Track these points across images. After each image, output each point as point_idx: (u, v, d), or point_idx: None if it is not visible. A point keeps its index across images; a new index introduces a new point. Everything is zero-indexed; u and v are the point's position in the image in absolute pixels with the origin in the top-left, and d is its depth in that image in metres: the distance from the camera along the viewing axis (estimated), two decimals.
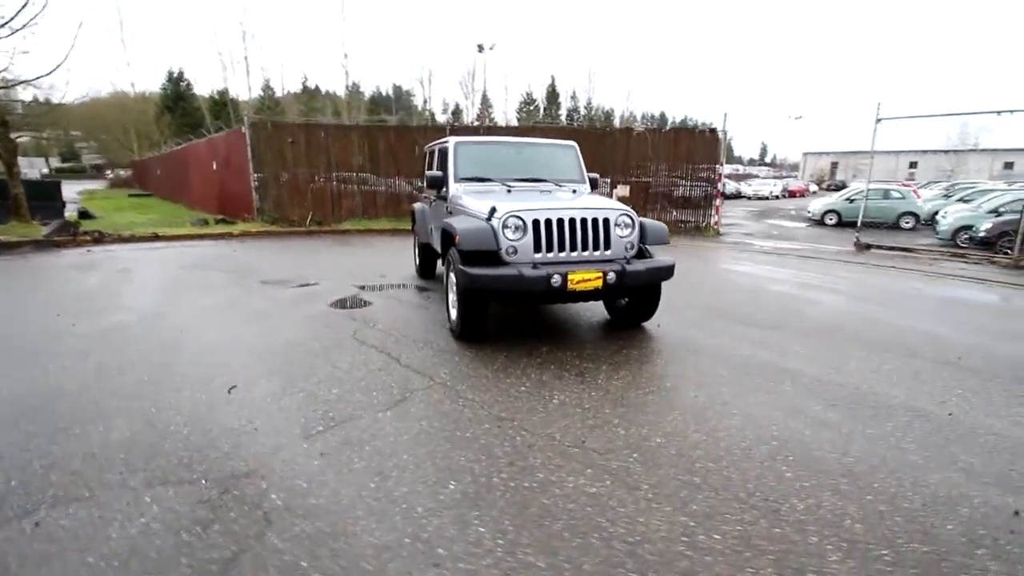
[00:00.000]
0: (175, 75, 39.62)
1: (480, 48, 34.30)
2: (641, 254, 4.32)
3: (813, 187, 41.75)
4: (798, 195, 36.09)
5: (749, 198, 32.88)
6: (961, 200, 16.64)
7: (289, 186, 13.04)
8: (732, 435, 2.75)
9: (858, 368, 3.76)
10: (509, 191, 4.79)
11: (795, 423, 2.90)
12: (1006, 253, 10.06)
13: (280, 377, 3.47)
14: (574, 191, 5.04)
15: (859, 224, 11.81)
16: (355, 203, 13.77)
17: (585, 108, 50.97)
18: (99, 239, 9.94)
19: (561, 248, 4.00)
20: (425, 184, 5.31)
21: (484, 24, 72.98)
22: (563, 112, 51.09)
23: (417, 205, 6.86)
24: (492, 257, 3.92)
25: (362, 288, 6.27)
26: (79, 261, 8.07)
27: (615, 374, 3.59)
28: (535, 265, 3.84)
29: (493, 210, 3.95)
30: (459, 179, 4.99)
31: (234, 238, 11.12)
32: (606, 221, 4.11)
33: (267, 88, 39.11)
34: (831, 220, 17.50)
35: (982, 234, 11.09)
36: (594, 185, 5.40)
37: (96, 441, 2.64)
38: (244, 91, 41.93)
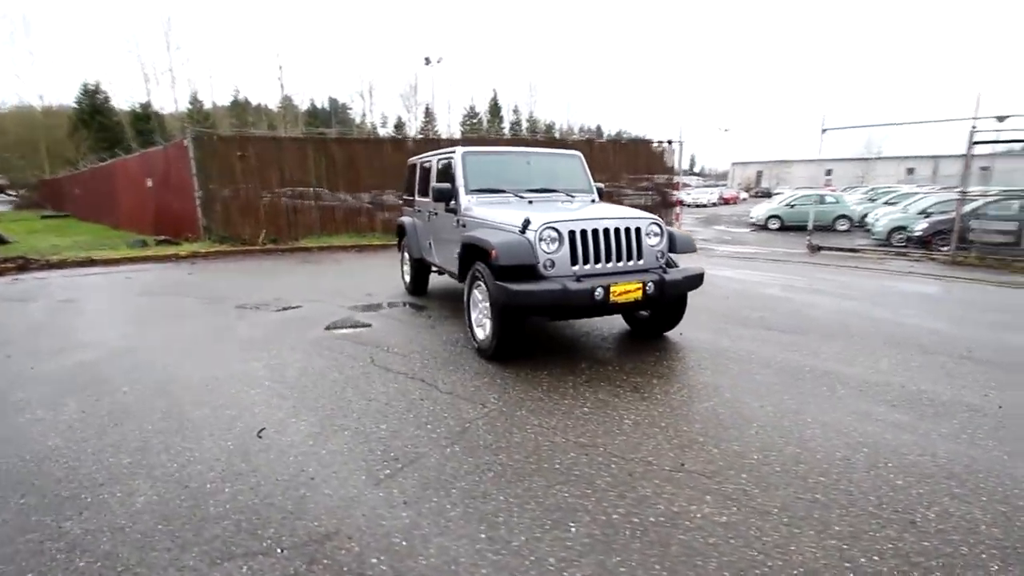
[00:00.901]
0: (91, 88, 36.32)
1: (427, 61, 33.98)
2: (667, 263, 4.26)
3: (743, 194, 44.39)
4: (731, 202, 38.25)
5: (689, 205, 34.41)
6: (887, 203, 18.16)
7: (239, 202, 12.16)
8: (822, 445, 2.68)
9: (891, 367, 3.85)
10: (531, 203, 4.60)
11: (871, 427, 2.88)
12: (942, 250, 10.99)
13: (312, 414, 3.08)
14: (593, 200, 4.93)
15: (810, 228, 12.52)
16: (312, 219, 13.05)
17: (527, 121, 51.74)
18: (24, 266, 8.77)
19: (597, 259, 3.85)
20: (432, 197, 5.00)
21: (425, 38, 72.65)
22: (506, 125, 51.56)
23: (406, 219, 6.51)
24: (528, 271, 3.71)
25: (353, 308, 5.85)
26: (8, 291, 7.04)
27: (669, 387, 3.46)
28: (577, 278, 3.67)
29: (527, 222, 3.74)
30: (470, 191, 4.74)
31: (183, 260, 10.18)
32: (638, 230, 4.01)
33: (195, 101, 36.76)
34: (774, 225, 18.52)
35: (918, 233, 12.06)
36: (600, 195, 5.32)
37: (120, 511, 2.18)
38: (169, 104, 39.22)
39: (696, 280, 4.11)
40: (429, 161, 5.82)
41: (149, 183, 13.50)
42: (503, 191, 4.83)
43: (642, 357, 4.09)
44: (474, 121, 50.87)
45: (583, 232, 3.82)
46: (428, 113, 48.40)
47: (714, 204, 35.47)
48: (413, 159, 6.74)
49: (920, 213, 13.63)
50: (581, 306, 3.63)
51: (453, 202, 4.80)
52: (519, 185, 4.94)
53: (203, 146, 11.69)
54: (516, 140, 18.72)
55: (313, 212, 13.05)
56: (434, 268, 6.17)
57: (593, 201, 4.95)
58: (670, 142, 13.80)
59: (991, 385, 3.48)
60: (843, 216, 17.62)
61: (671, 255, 4.31)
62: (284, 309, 5.85)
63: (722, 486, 2.31)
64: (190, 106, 36.27)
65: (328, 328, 5.02)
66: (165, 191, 12.89)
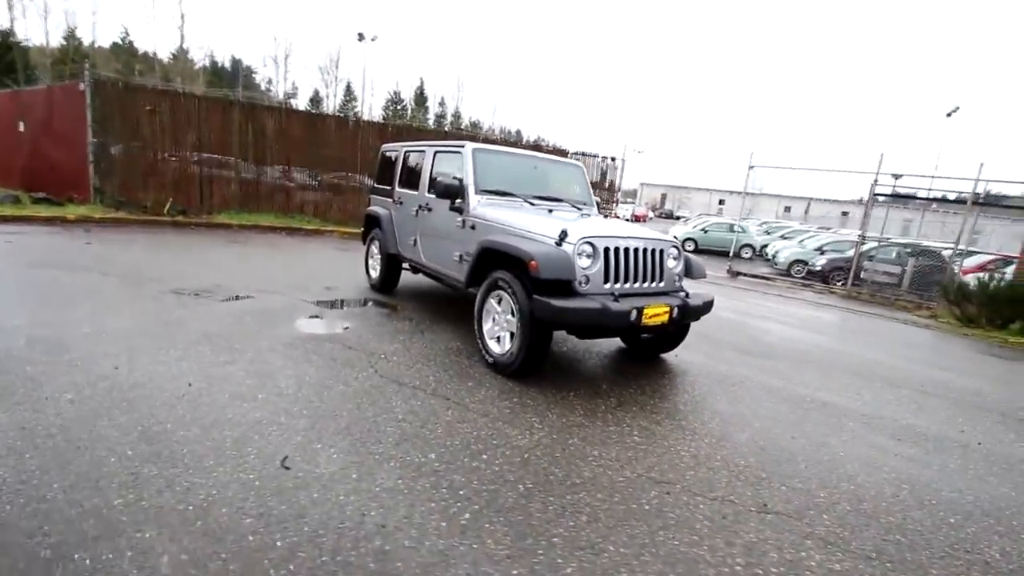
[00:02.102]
0: None
1: (361, 36, 31.76)
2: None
3: (651, 214, 47.47)
4: (641, 220, 40.69)
5: None
6: (782, 237, 20.33)
7: (143, 164, 10.51)
8: (868, 481, 2.79)
9: (873, 399, 4.18)
10: (551, 211, 4.39)
11: (895, 462, 3.06)
12: (838, 285, 12.48)
13: (338, 438, 2.62)
14: (606, 215, 4.83)
15: (732, 255, 13.59)
16: (230, 192, 11.66)
17: (453, 116, 50.97)
18: None
19: (627, 279, 3.76)
20: (435, 192, 4.54)
21: (352, 10, 68.38)
22: (431, 116, 50.40)
23: (380, 210, 5.97)
24: (563, 287, 3.51)
25: (318, 304, 5.22)
26: None
27: (701, 415, 3.45)
28: (616, 297, 3.54)
29: (564, 234, 3.54)
30: (480, 191, 4.42)
31: (71, 225, 8.54)
32: (662, 252, 3.98)
33: (71, 37, 31.33)
34: (689, 247, 19.88)
35: (818, 268, 13.60)
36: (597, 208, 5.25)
37: (135, 572, 1.65)
38: (39, 36, 33.08)
39: (709, 306, 4.17)
40: (420, 151, 5.37)
41: (21, 127, 11.18)
42: (513, 195, 4.57)
43: (655, 380, 4.06)
44: (398, 107, 49.06)
45: (616, 250, 3.70)
46: (349, 91, 45.79)
47: (628, 220, 37.46)
48: (391, 146, 6.22)
49: (816, 250, 15.41)
50: (617, 327, 3.51)
51: (459, 200, 4.44)
52: (527, 190, 4.71)
53: (104, 93, 9.93)
54: (448, 134, 18.20)
55: (232, 185, 11.67)
56: (406, 266, 5.72)
57: (605, 215, 4.86)
58: (613, 159, 14.25)
59: (958, 420, 3.92)
60: (747, 245, 19.40)
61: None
62: (233, 299, 5.06)
63: (814, 529, 2.30)
64: (64, 42, 30.85)
65: (303, 327, 4.41)
66: (45, 140, 10.74)
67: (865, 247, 12.40)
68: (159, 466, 2.23)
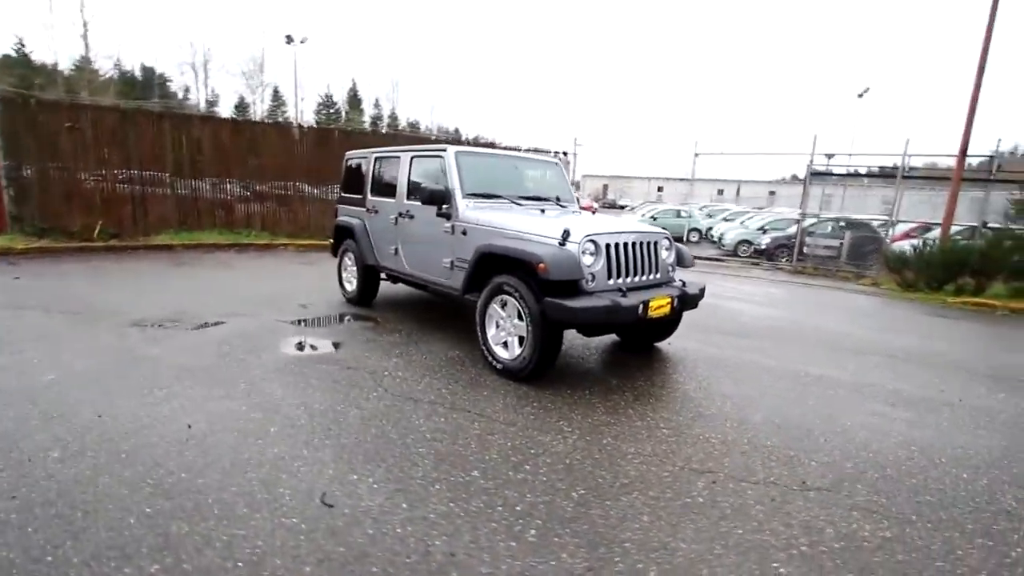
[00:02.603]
0: None
1: (289, 39, 30.27)
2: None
3: (595, 204, 48.53)
4: (588, 211, 41.52)
5: None
6: (724, 219, 21.30)
7: (65, 186, 9.58)
8: (885, 448, 2.94)
9: (856, 368, 4.44)
10: (543, 211, 4.34)
11: (899, 427, 3.26)
12: (783, 262, 13.22)
13: (371, 466, 2.47)
14: (594, 211, 4.85)
15: (684, 239, 14.10)
16: (167, 210, 10.84)
17: (390, 117, 49.92)
18: None
19: (628, 273, 3.79)
20: (420, 199, 4.36)
21: (274, 13, 65.11)
22: (367, 119, 49.11)
23: (352, 220, 5.72)
24: (570, 286, 3.48)
25: (298, 323, 4.95)
26: None
27: (713, 400, 3.52)
28: (624, 293, 3.55)
29: (567, 233, 3.51)
30: (466, 194, 4.32)
31: None
32: (656, 244, 4.04)
33: None
34: None
35: (763, 247, 14.35)
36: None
37: None
38: None
39: (702, 294, 4.28)
40: (393, 157, 5.19)
41: None
42: (499, 197, 4.50)
43: (660, 369, 4.13)
44: (331, 110, 47.43)
45: (616, 245, 3.72)
46: (277, 95, 43.79)
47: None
48: (357, 153, 5.98)
49: (759, 229, 16.26)
50: (626, 322, 3.53)
51: (446, 206, 4.32)
52: (511, 190, 4.65)
53: (14, 110, 8.97)
54: (397, 136, 17.70)
55: (168, 202, 10.86)
56: (384, 276, 5.54)
57: (594, 212, 4.88)
58: (564, 153, 14.39)
59: (934, 381, 4.23)
60: (695, 229, 20.20)
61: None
62: (203, 327, 4.71)
63: (854, 500, 2.40)
64: None
65: (289, 351, 4.17)
66: None
67: (805, 224, 13.20)
68: (188, 522, 2.03)
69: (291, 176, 11.89)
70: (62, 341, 4.12)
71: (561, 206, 4.84)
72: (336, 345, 4.35)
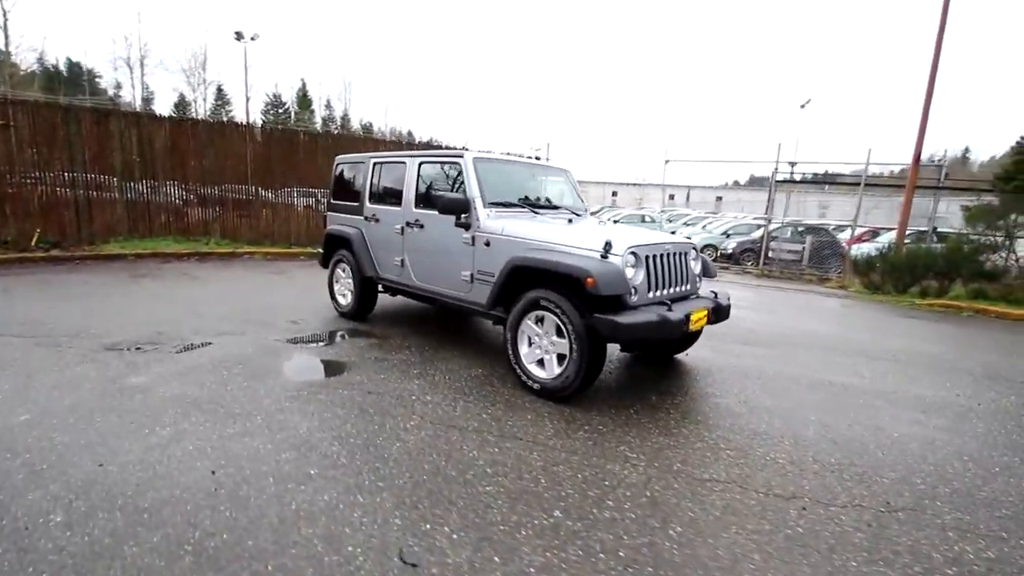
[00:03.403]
0: None
1: (239, 36, 28.56)
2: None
3: None
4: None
5: None
6: (685, 224, 21.88)
7: None
8: (943, 460, 2.94)
9: (872, 375, 4.51)
10: (569, 222, 4.16)
11: (941, 435, 3.28)
12: (752, 264, 13.66)
13: (440, 511, 2.20)
14: (614, 220, 4.71)
15: None
16: (115, 216, 9.94)
17: (342, 118, 48.50)
18: None
19: (664, 285, 3.67)
20: (438, 208, 4.07)
21: (218, 7, 61.62)
22: (318, 120, 47.48)
23: (347, 229, 5.34)
24: (613, 301, 3.32)
25: (296, 342, 4.55)
26: None
27: (761, 416, 3.44)
28: (669, 307, 3.42)
29: (608, 245, 3.35)
30: (488, 204, 4.09)
31: None
32: (686, 255, 3.95)
33: None
34: None
35: (730, 251, 14.78)
36: None
37: None
38: None
39: (730, 305, 4.22)
40: (397, 163, 4.88)
41: None
42: (517, 205, 4.30)
43: (692, 383, 4.03)
44: (280, 110, 45.53)
45: (654, 257, 3.59)
46: (221, 94, 41.59)
47: None
48: (350, 157, 5.61)
49: (723, 234, 16.77)
50: (674, 337, 3.40)
51: (464, 215, 4.07)
52: (529, 199, 4.46)
53: None
54: (368, 140, 16.86)
55: (116, 207, 9.96)
56: (381, 288, 5.20)
57: (611, 222, 4.74)
58: (538, 158, 14.28)
59: (946, 385, 4.35)
60: None
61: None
62: (188, 349, 4.23)
63: (942, 519, 2.35)
64: None
65: (293, 374, 3.79)
66: None
67: (769, 228, 13.70)
68: None
69: (252, 180, 11.19)
70: (26, 372, 3.56)
71: (577, 215, 4.68)
72: (345, 367, 4.00)
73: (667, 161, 13.68)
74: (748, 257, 14.14)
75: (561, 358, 3.44)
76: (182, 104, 39.05)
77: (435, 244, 4.40)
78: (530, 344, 3.64)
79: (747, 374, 4.30)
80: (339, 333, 4.94)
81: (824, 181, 14.05)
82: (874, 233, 15.42)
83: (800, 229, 14.37)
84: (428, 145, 13.13)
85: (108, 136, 9.60)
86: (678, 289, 3.81)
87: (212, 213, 10.86)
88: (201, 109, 40.62)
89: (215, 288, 6.85)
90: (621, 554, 2.01)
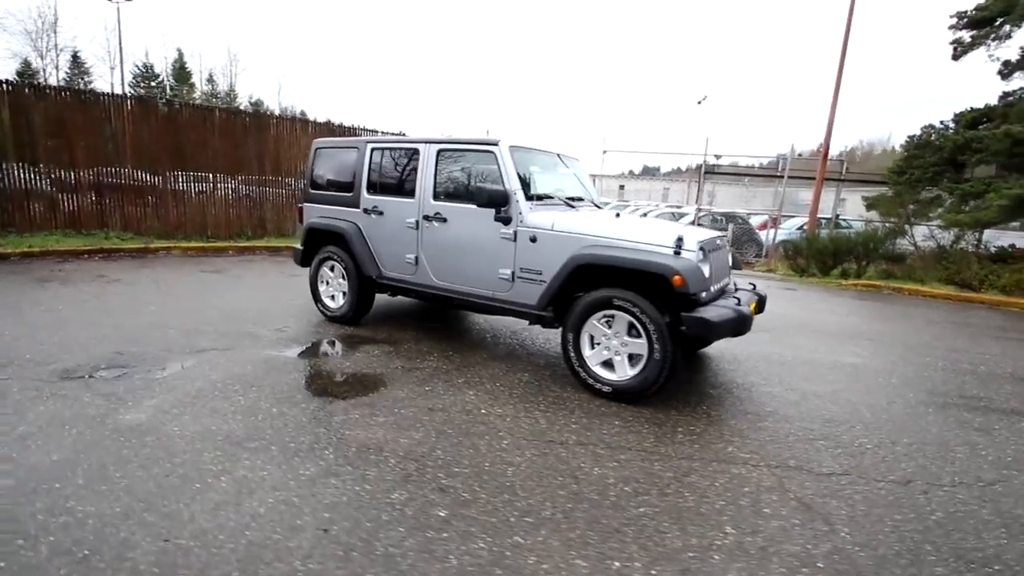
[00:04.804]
0: None
1: None
2: None
3: None
4: None
5: None
6: (643, 215, 22.70)
7: None
8: (1005, 444, 3.17)
9: (870, 355, 4.91)
10: (618, 215, 3.98)
11: (988, 439, 3.62)
12: None
13: (616, 545, 1.97)
14: (619, 211, 4.63)
15: None
16: None
17: (227, 94, 43.87)
18: None
19: (717, 279, 3.67)
20: (477, 202, 3.67)
21: None
22: (198, 95, 42.54)
23: (339, 223, 4.72)
24: (688, 297, 3.23)
25: (305, 356, 3.96)
26: None
27: (827, 405, 3.57)
28: (739, 300, 3.41)
29: (681, 240, 3.25)
30: (529, 196, 3.80)
31: None
32: (726, 248, 3.99)
33: None
34: None
35: None
36: None
37: None
38: None
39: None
40: (407, 149, 4.38)
41: None
42: (551, 197, 4.06)
43: (736, 375, 4.07)
44: (152, 83, 40.01)
45: (711, 251, 3.57)
46: (77, 62, 35.57)
47: None
48: (339, 141, 5.03)
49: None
50: (745, 331, 3.39)
51: (506, 208, 3.75)
52: (558, 190, 4.24)
53: None
54: (296, 120, 14.86)
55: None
56: (378, 289, 4.71)
57: (621, 212, 4.65)
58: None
59: (937, 365, 4.86)
60: None
61: None
62: (163, 370, 3.50)
63: (1014, 497, 2.57)
64: None
65: (333, 394, 3.28)
66: None
67: (692, 217, 14.60)
68: None
69: (159, 164, 9.64)
70: None
71: (597, 207, 4.54)
72: (380, 381, 3.53)
73: (604, 152, 14.01)
74: None
75: (633, 358, 3.31)
76: (27, 73, 32.77)
77: (463, 240, 4.02)
78: (592, 345, 3.46)
79: (771, 360, 4.47)
80: (340, 341, 4.38)
81: (744, 173, 15.27)
82: (775, 220, 17.12)
83: (719, 218, 15.51)
84: (334, 128, 12.11)
85: None
86: (723, 282, 3.83)
87: (108, 202, 9.18)
88: (52, 79, 34.54)
89: (149, 293, 5.78)
90: (820, 565, 1.94)
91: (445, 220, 4.10)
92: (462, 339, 4.62)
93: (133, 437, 2.60)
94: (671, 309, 3.18)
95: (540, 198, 3.95)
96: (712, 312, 3.13)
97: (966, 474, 2.69)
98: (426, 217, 4.19)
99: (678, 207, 18.91)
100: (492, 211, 3.78)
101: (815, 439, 2.99)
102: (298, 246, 5.16)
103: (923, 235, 10.04)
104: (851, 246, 9.65)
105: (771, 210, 12.90)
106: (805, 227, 12.89)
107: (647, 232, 3.43)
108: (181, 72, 42.24)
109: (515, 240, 3.75)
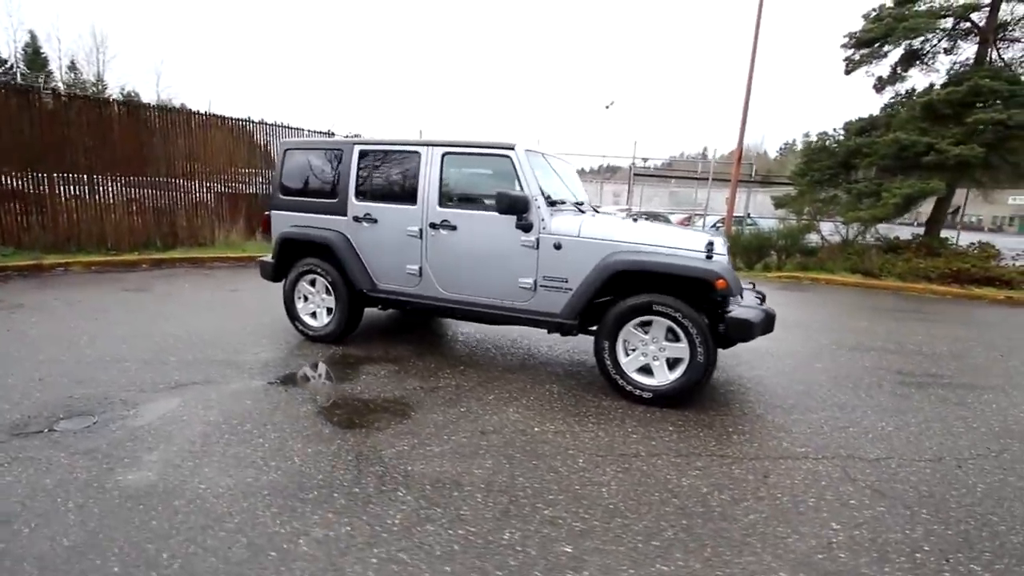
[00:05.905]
0: None
1: None
2: None
3: None
4: None
5: None
6: None
7: None
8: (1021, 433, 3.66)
9: (859, 343, 5.39)
10: (635, 220, 3.96)
11: (972, 412, 4.09)
12: None
13: (745, 555, 1.94)
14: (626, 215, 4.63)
15: None
16: None
17: (95, 83, 38.54)
18: None
19: None
20: (499, 209, 3.47)
21: None
22: (60, 85, 36.91)
23: (321, 232, 4.27)
24: (723, 301, 3.32)
25: (299, 383, 3.53)
26: None
27: (866, 402, 3.84)
28: (763, 299, 3.55)
29: (711, 245, 3.32)
30: (549, 202, 3.69)
31: None
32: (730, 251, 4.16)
33: None
34: None
35: None
36: None
37: None
38: None
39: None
40: (405, 153, 4.07)
41: None
42: (563, 202, 3.98)
43: (740, 367, 4.27)
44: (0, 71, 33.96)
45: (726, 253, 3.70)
46: None
47: None
48: (311, 142, 4.55)
49: None
50: (771, 331, 3.54)
51: (526, 215, 3.61)
52: (566, 195, 4.17)
53: None
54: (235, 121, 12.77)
55: None
56: (369, 303, 4.37)
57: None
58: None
59: (926, 365, 5.44)
60: None
61: None
62: (136, 416, 2.96)
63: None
64: None
65: (356, 430, 2.95)
66: None
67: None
68: None
69: (43, 165, 8.19)
70: None
71: (596, 211, 4.54)
72: (406, 406, 3.24)
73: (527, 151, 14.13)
74: None
75: (672, 363, 3.33)
76: None
77: (477, 248, 3.82)
78: (627, 352, 3.44)
79: (758, 352, 4.73)
80: (335, 363, 3.98)
81: (666, 175, 16.23)
82: (690, 218, 18.44)
83: (644, 216, 16.36)
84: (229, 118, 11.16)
85: None
86: None
87: None
88: None
89: (71, 319, 4.86)
90: (926, 548, 2.05)
91: (455, 228, 3.87)
92: (462, 351, 4.39)
93: (154, 503, 2.13)
94: (706, 312, 3.25)
95: (554, 203, 3.86)
96: (751, 313, 3.24)
97: (977, 447, 3.02)
98: (432, 225, 3.92)
99: (597, 207, 19.74)
100: (510, 218, 3.63)
101: (846, 426, 3.20)
102: (267, 258, 4.61)
103: (829, 230, 11.31)
104: (772, 242, 10.61)
105: (691, 209, 13.84)
106: (720, 224, 14.04)
107: (676, 238, 3.47)
108: (35, 58, 36.30)
109: (537, 247, 3.63)
